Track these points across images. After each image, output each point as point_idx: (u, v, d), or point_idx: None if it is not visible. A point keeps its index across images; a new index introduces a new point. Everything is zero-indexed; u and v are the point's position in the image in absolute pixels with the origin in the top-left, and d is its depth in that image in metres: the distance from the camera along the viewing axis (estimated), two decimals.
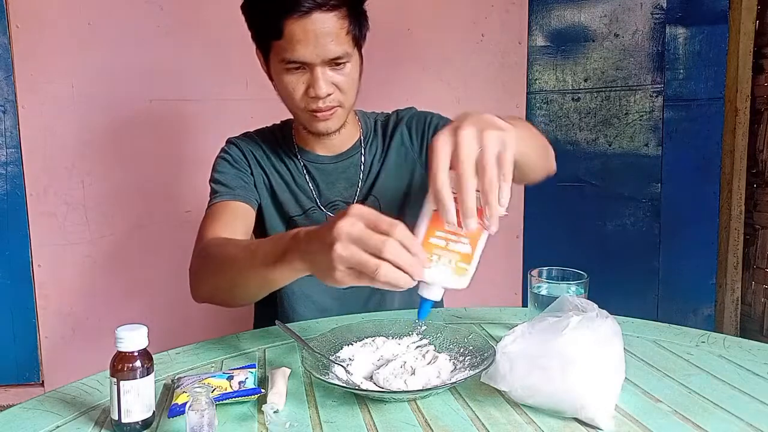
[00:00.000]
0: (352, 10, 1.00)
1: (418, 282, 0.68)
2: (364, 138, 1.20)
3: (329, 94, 1.02)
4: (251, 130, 1.23)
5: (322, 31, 0.96)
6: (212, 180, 1.16)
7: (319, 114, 1.04)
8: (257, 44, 1.08)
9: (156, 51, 2.12)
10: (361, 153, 1.19)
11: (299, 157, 1.18)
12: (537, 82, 2.38)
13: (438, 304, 1.23)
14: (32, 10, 2.05)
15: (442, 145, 0.65)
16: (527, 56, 2.32)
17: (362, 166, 1.19)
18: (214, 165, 1.18)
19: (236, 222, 1.07)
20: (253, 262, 0.80)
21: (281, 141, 1.19)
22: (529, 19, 2.31)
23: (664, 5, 2.32)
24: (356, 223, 0.64)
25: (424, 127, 1.20)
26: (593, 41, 2.36)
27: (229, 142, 1.20)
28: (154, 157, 2.17)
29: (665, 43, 2.34)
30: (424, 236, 0.69)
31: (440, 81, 2.27)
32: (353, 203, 1.12)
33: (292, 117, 1.13)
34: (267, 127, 1.24)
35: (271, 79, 1.08)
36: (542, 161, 0.98)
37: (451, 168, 0.65)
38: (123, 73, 2.12)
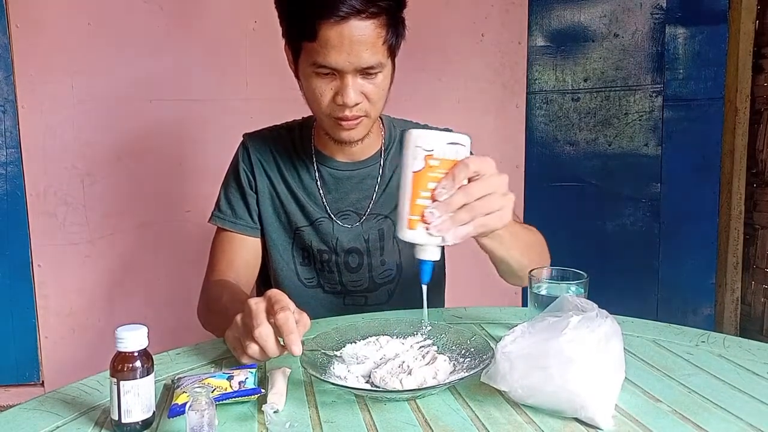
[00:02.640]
0: (391, 18, 0.95)
1: (415, 246, 0.74)
2: (386, 148, 1.16)
3: (357, 104, 0.97)
4: (273, 124, 1.20)
5: (358, 39, 0.91)
6: (223, 187, 1.18)
7: (344, 123, 0.99)
8: (287, 41, 1.02)
9: (156, 51, 2.12)
10: (380, 164, 1.15)
11: (314, 160, 1.14)
12: (537, 82, 2.38)
13: (436, 300, 1.24)
14: (32, 10, 2.05)
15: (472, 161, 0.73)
16: (527, 56, 2.32)
17: (379, 179, 1.14)
18: (229, 168, 1.18)
19: (241, 256, 1.14)
20: (225, 325, 0.87)
21: (298, 142, 1.16)
22: (529, 19, 2.31)
23: (664, 5, 2.32)
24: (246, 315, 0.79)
25: None
26: (593, 41, 2.36)
27: (243, 143, 1.18)
28: (154, 157, 2.17)
29: (665, 43, 2.34)
30: (410, 199, 0.73)
31: (440, 81, 2.27)
32: (365, 215, 1.13)
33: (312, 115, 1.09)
34: (287, 123, 1.20)
35: (297, 78, 1.03)
36: (522, 263, 0.98)
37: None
38: (123, 73, 2.12)
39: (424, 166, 0.72)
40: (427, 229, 0.73)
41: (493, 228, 0.77)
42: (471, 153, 0.76)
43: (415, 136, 0.72)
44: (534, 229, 1.07)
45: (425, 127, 1.21)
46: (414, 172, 0.72)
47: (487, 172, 0.74)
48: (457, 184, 0.72)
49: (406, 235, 0.74)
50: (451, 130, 1.21)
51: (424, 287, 0.80)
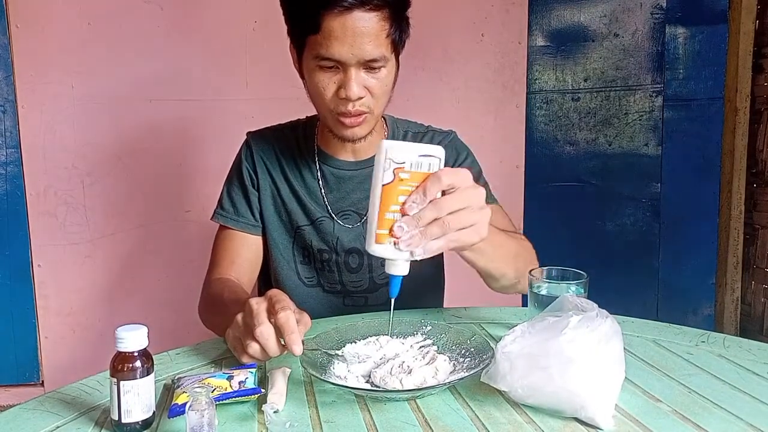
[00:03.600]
0: (394, 12, 0.95)
1: (385, 261, 0.73)
2: None
3: (360, 98, 0.96)
4: (276, 123, 1.20)
5: (361, 30, 0.91)
6: (225, 185, 1.18)
7: (347, 120, 0.99)
8: (292, 39, 1.01)
9: (156, 51, 2.12)
10: None
11: (317, 159, 1.14)
12: (537, 82, 2.38)
13: (436, 300, 1.24)
14: (32, 10, 2.05)
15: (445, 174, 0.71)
16: (527, 56, 2.33)
17: None
18: (232, 166, 1.18)
19: (242, 254, 1.14)
20: (225, 324, 0.87)
21: (301, 140, 1.15)
22: (529, 19, 2.31)
23: (664, 5, 2.32)
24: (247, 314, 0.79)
25: (453, 165, 1.14)
26: (593, 41, 2.36)
27: (246, 141, 1.18)
28: (154, 157, 2.17)
29: (665, 43, 2.34)
30: (378, 213, 0.71)
31: (440, 81, 2.27)
32: (366, 215, 1.12)
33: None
34: (290, 122, 1.20)
35: (302, 77, 1.03)
36: (507, 274, 0.97)
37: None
38: (123, 73, 2.12)
39: (394, 178, 0.70)
40: (395, 244, 0.70)
41: (467, 243, 0.74)
42: (464, 145, 0.74)
43: (385, 148, 0.70)
44: (520, 237, 1.05)
45: (428, 128, 1.21)
46: (383, 185, 0.70)
47: (461, 185, 0.72)
48: (428, 198, 0.70)
49: (374, 249, 0.71)
50: (453, 132, 1.22)
51: (392, 302, 0.78)
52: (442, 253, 1.24)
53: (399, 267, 0.73)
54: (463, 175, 0.73)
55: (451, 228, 0.71)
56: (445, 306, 1.27)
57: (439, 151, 0.71)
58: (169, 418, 0.69)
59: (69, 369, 2.19)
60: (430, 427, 0.68)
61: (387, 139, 1.16)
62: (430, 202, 0.70)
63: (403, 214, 0.70)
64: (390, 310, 0.79)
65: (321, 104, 1.01)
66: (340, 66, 0.95)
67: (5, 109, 2.10)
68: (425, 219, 0.70)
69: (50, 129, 2.11)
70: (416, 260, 0.72)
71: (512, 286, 0.99)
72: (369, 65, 0.95)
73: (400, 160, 0.70)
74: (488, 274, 0.95)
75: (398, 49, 1.00)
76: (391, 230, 0.70)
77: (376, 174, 0.71)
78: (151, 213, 2.19)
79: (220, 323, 0.91)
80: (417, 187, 0.70)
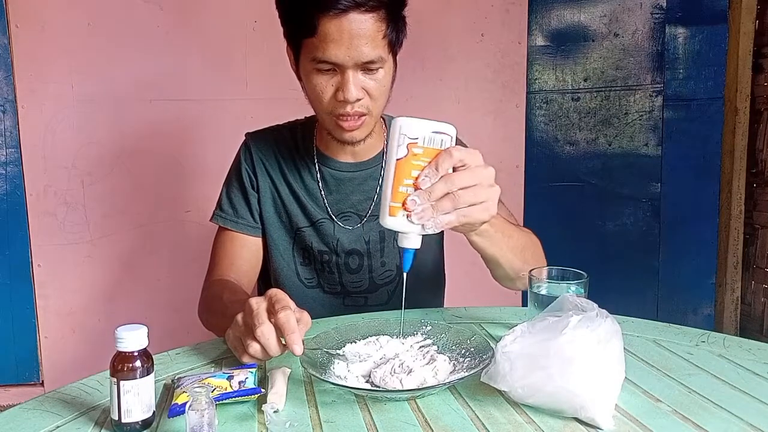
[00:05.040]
0: (391, 13, 0.94)
1: (398, 234, 0.75)
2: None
3: (358, 99, 0.96)
4: (275, 124, 1.20)
5: (357, 32, 0.90)
6: (225, 186, 1.18)
7: (345, 123, 0.99)
8: (288, 41, 1.01)
9: (156, 51, 2.12)
10: (382, 166, 1.12)
11: (316, 161, 1.13)
12: (537, 81, 2.38)
13: (436, 300, 1.24)
14: (32, 10, 2.05)
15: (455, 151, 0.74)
16: (527, 56, 2.32)
17: (381, 180, 1.12)
18: (231, 167, 1.18)
19: (242, 256, 1.14)
20: (225, 324, 0.87)
21: (300, 141, 1.15)
22: (528, 18, 2.31)
23: (664, 5, 2.32)
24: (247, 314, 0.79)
25: None
26: (593, 41, 2.36)
27: (245, 142, 1.17)
28: (154, 157, 2.17)
29: (665, 42, 2.34)
30: (392, 186, 0.73)
31: (440, 81, 2.27)
32: (366, 217, 1.13)
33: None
34: (289, 123, 1.19)
35: (300, 79, 1.03)
36: (515, 264, 0.98)
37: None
38: (123, 73, 2.12)
39: (408, 153, 0.73)
40: (408, 216, 0.73)
41: (477, 219, 0.77)
42: (464, 144, 0.76)
43: (399, 124, 0.73)
44: (530, 232, 1.06)
45: None
46: (397, 159, 0.73)
47: (472, 163, 0.75)
48: (440, 173, 0.73)
49: (387, 222, 0.74)
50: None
51: (405, 276, 0.80)
52: (443, 254, 1.26)
53: (411, 240, 0.75)
54: (474, 154, 0.76)
55: (461, 203, 0.74)
56: (445, 306, 1.27)
57: (450, 129, 0.75)
58: (169, 418, 0.69)
59: (69, 369, 2.19)
60: (430, 427, 0.68)
61: (386, 140, 1.16)
62: (442, 177, 0.73)
63: (416, 188, 0.73)
64: (403, 285, 0.82)
65: (319, 107, 1.01)
66: (337, 68, 0.94)
67: (5, 109, 2.10)
68: (437, 193, 0.73)
69: (50, 129, 2.11)
70: (428, 233, 0.75)
71: (519, 279, 1.00)
72: (366, 67, 0.95)
73: (413, 136, 0.73)
74: (496, 262, 0.95)
75: (396, 50, 1.00)
76: (404, 203, 0.73)
77: (390, 149, 0.74)
78: (151, 213, 2.19)
79: (220, 324, 0.91)
80: (429, 162, 0.73)
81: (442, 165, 0.73)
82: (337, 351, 0.81)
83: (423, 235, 0.76)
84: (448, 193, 0.73)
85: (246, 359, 0.80)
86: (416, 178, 0.73)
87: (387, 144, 1.16)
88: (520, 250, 0.98)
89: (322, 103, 0.98)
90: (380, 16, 0.92)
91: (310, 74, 0.97)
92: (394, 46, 0.98)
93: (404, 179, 0.73)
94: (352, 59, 0.92)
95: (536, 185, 2.37)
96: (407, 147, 0.73)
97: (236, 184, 1.15)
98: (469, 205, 0.74)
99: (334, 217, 1.13)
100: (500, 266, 0.97)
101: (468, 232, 0.85)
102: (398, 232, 0.75)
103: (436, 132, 0.73)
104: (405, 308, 1.08)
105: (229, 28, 2.13)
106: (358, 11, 0.90)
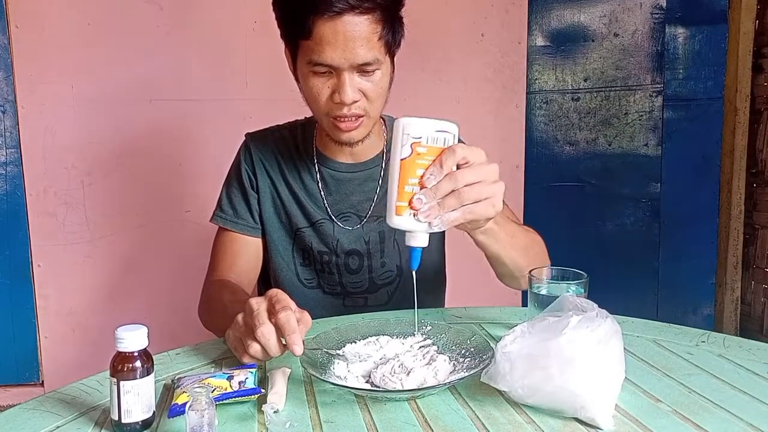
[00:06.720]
0: (386, 14, 0.94)
1: (405, 233, 0.76)
2: (388, 150, 1.13)
3: (355, 101, 0.96)
4: (275, 124, 1.20)
5: (352, 35, 0.90)
6: (224, 187, 1.18)
7: (342, 125, 0.98)
8: (286, 43, 1.01)
9: (156, 51, 2.12)
10: (381, 166, 1.13)
11: (316, 161, 1.13)
12: (537, 82, 2.38)
13: (436, 300, 1.24)
14: (32, 10, 2.05)
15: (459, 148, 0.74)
16: (527, 56, 2.33)
17: (380, 181, 1.13)
18: (231, 168, 1.18)
19: (242, 256, 1.14)
20: (225, 325, 0.87)
21: (300, 142, 1.15)
22: (528, 18, 2.31)
23: (664, 5, 2.32)
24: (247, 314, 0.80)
25: None
26: (593, 41, 2.36)
27: (245, 143, 1.17)
28: (154, 157, 2.17)
29: (665, 43, 2.34)
30: (398, 186, 0.74)
31: (440, 81, 2.27)
32: (366, 217, 1.13)
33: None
34: (289, 123, 1.19)
35: (297, 81, 1.03)
36: (519, 263, 0.98)
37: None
38: (123, 73, 2.12)
39: (412, 153, 0.73)
40: (414, 215, 0.74)
41: (483, 215, 0.77)
42: (462, 142, 0.76)
43: (402, 124, 0.74)
44: (534, 232, 1.06)
45: None
46: (402, 159, 0.74)
47: (476, 160, 0.75)
48: (445, 171, 0.73)
49: (394, 221, 0.75)
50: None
51: (414, 274, 0.81)
52: (444, 255, 1.25)
53: (418, 239, 0.76)
54: (477, 151, 0.76)
55: (467, 200, 0.74)
56: (445, 306, 1.27)
57: (453, 127, 0.75)
58: (169, 418, 0.69)
59: (69, 369, 2.19)
60: (430, 427, 0.68)
61: (386, 141, 1.16)
62: (447, 174, 0.73)
63: (422, 187, 0.74)
64: (413, 284, 0.82)
65: (316, 108, 1.01)
66: (333, 70, 0.94)
67: (5, 109, 2.10)
68: (442, 191, 0.73)
69: (50, 129, 2.11)
70: (434, 231, 0.76)
71: (523, 278, 0.99)
72: (362, 69, 0.94)
73: (417, 135, 0.73)
74: (500, 261, 0.96)
75: (392, 50, 0.99)
76: (410, 202, 0.74)
77: (394, 149, 0.74)
78: (150, 213, 2.19)
79: (220, 324, 0.91)
80: (434, 160, 0.74)
81: (446, 163, 0.73)
82: (337, 351, 0.81)
83: (429, 234, 0.76)
84: (453, 191, 0.73)
85: (246, 359, 0.80)
86: (421, 177, 0.74)
87: (389, 144, 1.16)
88: (524, 249, 0.98)
89: (319, 105, 0.99)
90: (375, 17, 0.92)
91: (307, 77, 0.97)
92: (391, 47, 0.98)
93: (409, 178, 0.74)
94: (347, 61, 0.92)
95: (536, 185, 2.37)
96: (411, 146, 0.73)
97: (236, 185, 1.15)
98: (474, 202, 0.75)
99: (333, 217, 1.13)
100: (504, 265, 0.97)
101: (474, 229, 0.85)
102: (405, 231, 0.76)
103: (439, 130, 0.74)
104: (405, 308, 1.09)
105: (229, 28, 2.13)
106: (353, 13, 0.90)
